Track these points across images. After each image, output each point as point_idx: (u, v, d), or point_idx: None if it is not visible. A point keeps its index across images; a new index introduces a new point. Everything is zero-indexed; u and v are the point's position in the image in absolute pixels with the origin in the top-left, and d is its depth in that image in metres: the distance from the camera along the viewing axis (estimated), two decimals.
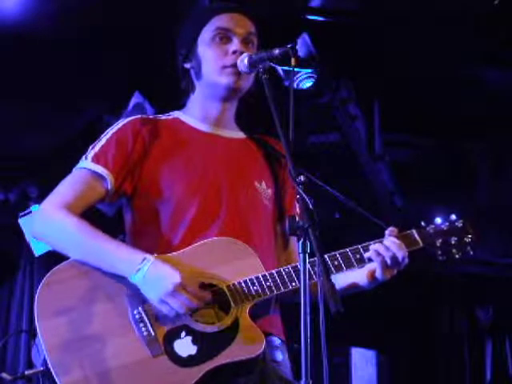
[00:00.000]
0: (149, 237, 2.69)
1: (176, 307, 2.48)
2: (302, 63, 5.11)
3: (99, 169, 2.69)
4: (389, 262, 2.63)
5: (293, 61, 2.52)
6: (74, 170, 2.74)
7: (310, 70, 5.27)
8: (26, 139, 6.00)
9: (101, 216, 5.43)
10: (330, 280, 2.15)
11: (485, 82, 5.64)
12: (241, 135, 2.94)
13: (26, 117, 5.72)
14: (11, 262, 7.00)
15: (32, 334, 2.49)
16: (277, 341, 2.71)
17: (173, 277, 2.48)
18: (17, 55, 5.03)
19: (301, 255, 2.23)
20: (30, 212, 5.95)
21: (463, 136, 6.30)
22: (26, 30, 4.84)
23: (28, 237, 5.78)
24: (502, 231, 6.94)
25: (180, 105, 2.94)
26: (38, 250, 5.79)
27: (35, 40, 4.88)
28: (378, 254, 2.64)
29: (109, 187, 2.69)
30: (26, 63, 5.10)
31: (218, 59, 2.78)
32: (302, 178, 2.33)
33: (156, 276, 2.49)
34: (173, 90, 2.94)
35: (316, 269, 2.22)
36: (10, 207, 6.51)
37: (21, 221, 5.88)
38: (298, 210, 2.36)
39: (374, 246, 2.65)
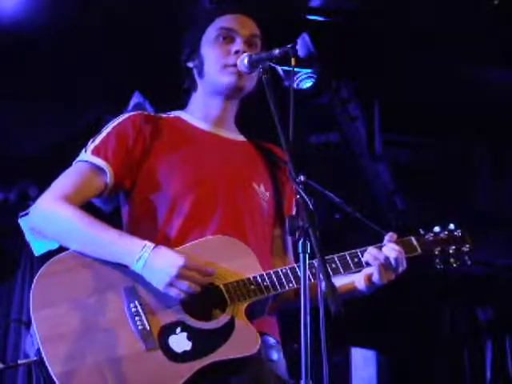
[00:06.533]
0: (145, 229, 2.68)
1: (185, 289, 2.47)
2: (301, 63, 5.11)
3: (99, 161, 2.68)
4: (386, 266, 2.63)
5: (293, 61, 2.52)
6: (73, 163, 2.74)
7: (309, 70, 5.27)
8: (25, 139, 5.99)
9: (98, 212, 5.42)
10: (330, 280, 2.15)
11: (485, 81, 5.64)
12: (241, 138, 2.95)
13: (25, 117, 5.72)
14: (11, 261, 6.99)
15: (26, 324, 2.48)
16: (272, 340, 2.71)
17: (176, 260, 2.47)
18: (16, 55, 5.03)
19: (301, 255, 2.23)
20: None
21: (463, 136, 6.30)
22: (25, 30, 4.83)
23: (28, 236, 5.77)
24: (503, 231, 6.94)
25: (180, 105, 2.94)
26: (38, 249, 5.78)
27: (35, 40, 4.88)
28: (376, 258, 2.63)
29: (108, 180, 2.68)
30: (25, 63, 5.10)
31: (220, 58, 2.79)
32: (301, 177, 2.33)
33: (159, 261, 2.48)
34: (173, 89, 2.94)
35: (314, 271, 2.21)
36: (9, 207, 6.49)
37: (21, 221, 5.87)
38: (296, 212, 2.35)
39: (372, 251, 2.65)
